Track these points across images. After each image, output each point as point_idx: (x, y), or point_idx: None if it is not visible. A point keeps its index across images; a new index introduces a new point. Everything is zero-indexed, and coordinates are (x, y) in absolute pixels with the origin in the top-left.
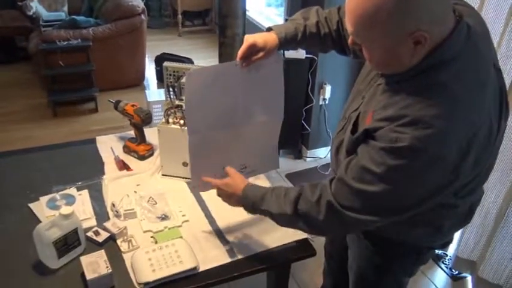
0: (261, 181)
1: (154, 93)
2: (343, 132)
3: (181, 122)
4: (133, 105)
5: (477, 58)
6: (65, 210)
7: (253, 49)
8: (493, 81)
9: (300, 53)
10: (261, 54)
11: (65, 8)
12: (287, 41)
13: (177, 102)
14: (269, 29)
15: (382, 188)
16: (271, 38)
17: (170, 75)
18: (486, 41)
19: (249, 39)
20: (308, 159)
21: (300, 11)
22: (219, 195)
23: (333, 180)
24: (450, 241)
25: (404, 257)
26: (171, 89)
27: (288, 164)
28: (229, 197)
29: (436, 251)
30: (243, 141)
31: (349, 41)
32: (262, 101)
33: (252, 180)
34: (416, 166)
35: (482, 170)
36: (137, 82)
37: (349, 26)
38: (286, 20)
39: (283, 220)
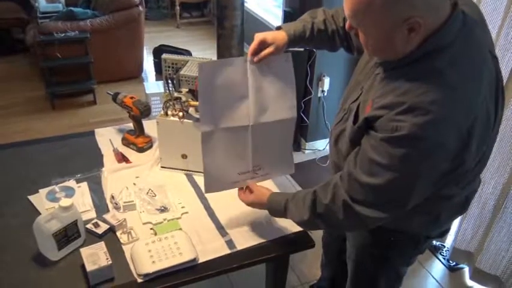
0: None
1: (152, 85)
2: (342, 123)
3: (180, 114)
4: (132, 98)
5: (472, 45)
6: (65, 202)
7: (262, 46)
8: (489, 68)
9: None
10: (271, 48)
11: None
12: (296, 38)
13: (175, 94)
14: (278, 28)
15: (390, 177)
16: (280, 35)
17: (169, 67)
18: (482, 29)
19: (259, 36)
20: (307, 151)
21: (307, 12)
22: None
23: (342, 176)
24: (448, 230)
25: (402, 247)
26: (169, 81)
27: None
28: (257, 208)
29: (434, 241)
30: (255, 141)
31: (347, 25)
32: (274, 100)
33: None
34: (418, 153)
35: (482, 158)
36: (135, 74)
37: (346, 10)
38: (285, 11)
39: (305, 226)
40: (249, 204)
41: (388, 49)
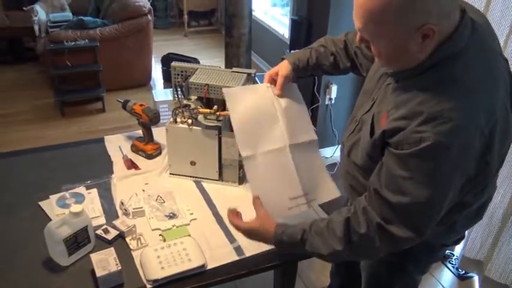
0: None
1: (160, 93)
2: (354, 134)
3: (189, 121)
4: (141, 105)
5: (484, 49)
6: (75, 208)
7: (271, 78)
8: (502, 71)
9: None
10: (280, 78)
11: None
12: (295, 62)
13: (185, 101)
14: (282, 60)
15: (422, 193)
16: (283, 64)
17: (178, 75)
18: (490, 34)
19: (266, 74)
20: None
21: None
22: (249, 238)
23: (369, 198)
24: (462, 238)
25: (418, 255)
26: (178, 89)
27: None
28: (261, 241)
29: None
30: (296, 161)
31: (357, 38)
32: (299, 122)
33: None
34: (446, 163)
35: (501, 162)
36: (144, 82)
37: (357, 22)
38: (292, 19)
39: (335, 258)
40: (245, 233)
41: (402, 58)
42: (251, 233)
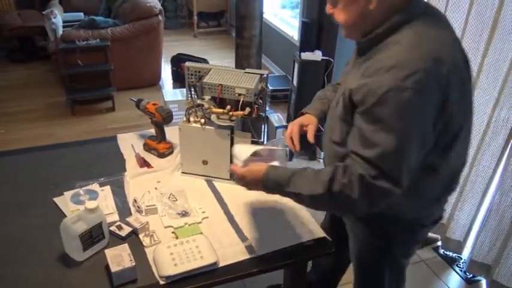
0: None
1: (170, 93)
2: (330, 118)
3: (202, 121)
4: (154, 104)
5: (438, 20)
6: (91, 204)
7: (302, 128)
8: (456, 39)
9: (316, 55)
10: (311, 126)
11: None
12: (321, 116)
13: (198, 101)
14: (301, 114)
15: (389, 140)
16: (311, 118)
17: (192, 75)
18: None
19: (295, 122)
20: (322, 160)
21: (317, 95)
22: (241, 184)
23: (353, 159)
24: (440, 218)
25: (400, 235)
26: (192, 89)
27: (302, 165)
28: (250, 182)
29: (443, 246)
30: None
31: (327, 9)
32: None
33: None
34: (406, 105)
35: (464, 128)
36: (153, 82)
37: None
38: (303, 21)
39: (312, 201)
40: (244, 172)
41: (358, 18)
42: (245, 175)
